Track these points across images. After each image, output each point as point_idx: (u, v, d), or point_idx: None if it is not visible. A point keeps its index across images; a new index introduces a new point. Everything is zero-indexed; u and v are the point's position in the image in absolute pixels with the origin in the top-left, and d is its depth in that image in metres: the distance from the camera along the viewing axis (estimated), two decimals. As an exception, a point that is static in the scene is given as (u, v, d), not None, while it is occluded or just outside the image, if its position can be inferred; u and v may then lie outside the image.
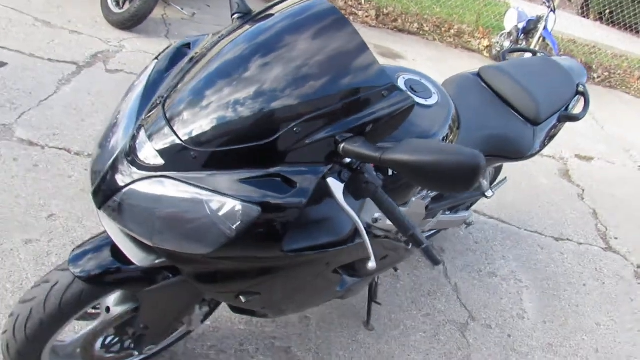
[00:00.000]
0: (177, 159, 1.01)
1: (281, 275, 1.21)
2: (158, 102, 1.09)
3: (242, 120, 1.01)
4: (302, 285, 1.34)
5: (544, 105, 1.92)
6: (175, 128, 1.02)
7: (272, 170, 1.02)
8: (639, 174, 4.03)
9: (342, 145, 1.02)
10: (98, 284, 1.20)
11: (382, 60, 4.60)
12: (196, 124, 1.02)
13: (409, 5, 5.88)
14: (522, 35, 5.22)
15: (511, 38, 5.32)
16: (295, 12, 1.11)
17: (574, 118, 2.03)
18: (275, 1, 1.23)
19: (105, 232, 1.22)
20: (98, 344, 1.43)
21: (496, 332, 2.21)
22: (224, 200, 0.98)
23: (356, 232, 1.18)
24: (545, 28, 4.93)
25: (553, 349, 2.20)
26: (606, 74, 5.94)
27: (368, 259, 1.10)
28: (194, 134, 1.01)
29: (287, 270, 1.20)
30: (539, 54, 2.27)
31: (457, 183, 0.90)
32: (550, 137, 2.05)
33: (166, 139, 1.02)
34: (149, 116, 1.08)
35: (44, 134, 2.50)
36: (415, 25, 5.68)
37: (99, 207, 1.08)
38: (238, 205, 0.98)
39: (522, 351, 2.15)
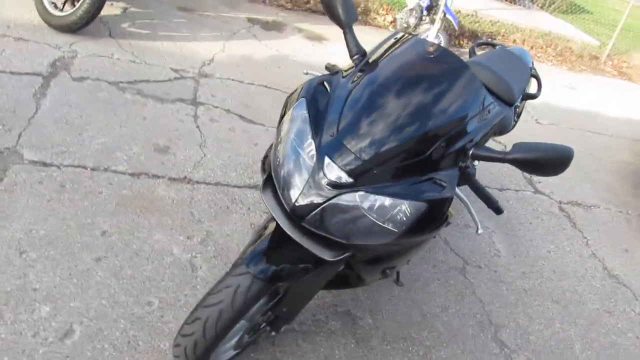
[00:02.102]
0: (363, 177, 1.32)
1: (415, 250, 1.59)
2: (332, 134, 1.37)
3: (406, 144, 1.35)
4: (417, 254, 1.73)
5: (515, 89, 2.44)
6: (358, 155, 1.33)
7: (428, 176, 1.38)
8: (537, 127, 4.89)
9: (471, 152, 1.41)
10: (272, 281, 1.47)
11: (309, 43, 4.94)
12: (372, 148, 1.33)
13: (318, -14, 6.19)
14: (426, 11, 5.85)
15: (415, 14, 5.92)
16: (418, 53, 1.46)
17: (533, 96, 2.60)
18: (388, 42, 1.56)
19: (263, 237, 1.49)
20: (241, 330, 1.69)
21: (485, 270, 2.78)
22: (401, 202, 1.33)
23: None
24: (445, 5, 5.59)
25: (526, 275, 2.84)
26: (489, 39, 6.87)
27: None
28: (374, 157, 1.33)
29: (419, 246, 1.58)
30: (497, 47, 2.80)
31: (558, 168, 1.35)
32: (518, 114, 2.60)
33: (353, 163, 1.32)
34: (328, 145, 1.36)
35: (52, 153, 2.50)
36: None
37: (301, 221, 1.35)
38: (411, 205, 1.33)
39: (507, 281, 2.75)
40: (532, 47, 7.26)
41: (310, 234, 1.39)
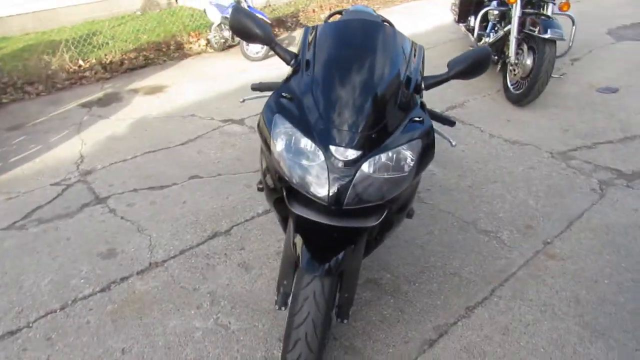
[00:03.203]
0: (367, 145, 1.49)
1: (418, 185, 1.81)
2: (322, 126, 1.51)
3: (380, 103, 1.55)
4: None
5: None
6: (352, 130, 1.49)
7: (407, 119, 1.60)
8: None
9: (423, 85, 1.66)
10: (336, 272, 1.59)
11: (153, 97, 4.88)
12: (359, 119, 1.50)
13: (123, 47, 6.07)
14: (233, 20, 6.04)
15: (226, 27, 6.10)
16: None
17: None
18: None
19: (299, 247, 1.60)
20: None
21: (434, 189, 3.13)
22: (404, 148, 1.53)
23: None
24: (249, 7, 5.84)
25: (462, 176, 3.25)
26: (294, 19, 7.33)
27: None
28: (364, 125, 1.50)
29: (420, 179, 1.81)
30: (343, 11, 3.11)
31: (484, 67, 1.66)
32: None
33: (353, 138, 1.48)
34: (324, 136, 1.50)
35: (9, 320, 2.27)
36: (141, 59, 5.96)
37: (342, 207, 1.47)
38: (411, 146, 1.54)
39: (453, 187, 3.13)
40: (331, 8, 7.90)
41: (347, 216, 1.54)
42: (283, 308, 1.90)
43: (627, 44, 5.56)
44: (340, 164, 1.48)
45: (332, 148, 1.49)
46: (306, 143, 1.52)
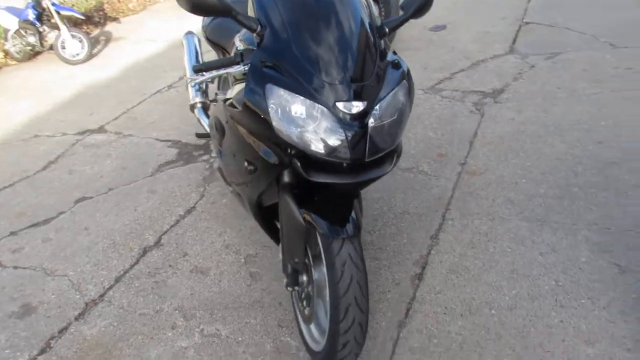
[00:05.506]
0: (367, 95, 1.43)
1: None
2: (321, 85, 1.41)
3: (362, 52, 1.48)
4: None
5: None
6: (348, 81, 1.43)
7: (386, 63, 1.59)
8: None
9: (387, 29, 1.67)
10: (359, 230, 1.57)
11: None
12: (352, 71, 1.43)
13: None
14: (38, 22, 5.22)
15: (29, 32, 5.24)
16: None
17: None
18: None
19: (312, 220, 1.55)
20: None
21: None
22: (396, 91, 1.52)
23: None
24: (54, 4, 5.08)
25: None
26: (101, 13, 6.62)
27: None
28: (358, 76, 1.44)
29: None
30: None
31: (431, 2, 1.73)
32: None
33: (353, 91, 1.41)
34: (328, 94, 1.41)
35: None
36: None
37: (367, 158, 1.43)
38: (400, 87, 1.54)
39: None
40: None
41: (365, 169, 1.50)
42: (297, 288, 1.81)
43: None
44: (349, 118, 1.43)
45: (339, 104, 1.42)
46: (309, 105, 1.42)
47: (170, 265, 2.39)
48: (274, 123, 1.43)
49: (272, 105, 1.43)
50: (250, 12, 1.64)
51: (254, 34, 1.56)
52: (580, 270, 2.06)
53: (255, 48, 1.61)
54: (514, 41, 4.39)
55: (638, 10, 4.58)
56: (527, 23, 4.73)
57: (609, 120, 3.00)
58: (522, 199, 2.51)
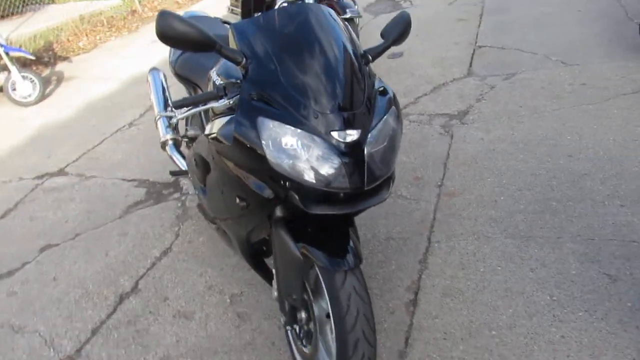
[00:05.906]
0: (360, 122, 1.41)
1: None
2: (315, 116, 1.37)
3: (350, 81, 1.46)
4: None
5: None
6: (342, 109, 1.40)
7: (375, 90, 1.57)
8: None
9: (370, 56, 1.66)
10: (359, 260, 1.52)
11: None
12: (343, 99, 1.41)
13: None
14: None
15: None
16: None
17: None
18: None
19: (310, 254, 1.49)
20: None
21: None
22: (386, 118, 1.50)
23: None
24: (3, 45, 4.86)
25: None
26: (50, 52, 6.41)
27: None
28: (349, 104, 1.42)
29: None
30: None
31: (408, 30, 1.75)
32: None
33: (346, 119, 1.39)
34: (321, 125, 1.37)
35: None
36: None
37: (366, 187, 1.39)
38: (390, 115, 1.52)
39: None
40: (87, 35, 7.18)
41: (363, 198, 1.47)
42: (296, 327, 1.73)
43: (384, 16, 6.40)
44: (344, 147, 1.40)
45: (334, 134, 1.39)
46: (304, 136, 1.38)
47: (150, 312, 2.25)
48: (268, 156, 1.38)
49: (265, 138, 1.38)
50: (232, 45, 1.60)
51: (240, 67, 1.52)
52: (573, 282, 2.07)
53: (238, 81, 1.56)
54: (471, 64, 4.53)
55: (580, 27, 4.84)
56: (480, 47, 4.89)
57: (574, 134, 3.11)
58: (504, 216, 2.53)
